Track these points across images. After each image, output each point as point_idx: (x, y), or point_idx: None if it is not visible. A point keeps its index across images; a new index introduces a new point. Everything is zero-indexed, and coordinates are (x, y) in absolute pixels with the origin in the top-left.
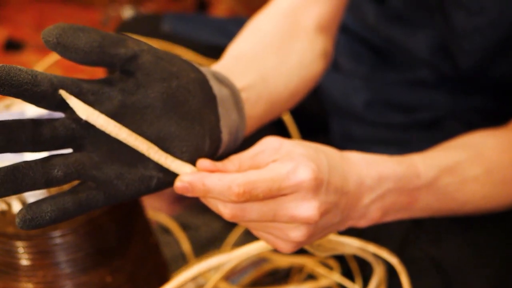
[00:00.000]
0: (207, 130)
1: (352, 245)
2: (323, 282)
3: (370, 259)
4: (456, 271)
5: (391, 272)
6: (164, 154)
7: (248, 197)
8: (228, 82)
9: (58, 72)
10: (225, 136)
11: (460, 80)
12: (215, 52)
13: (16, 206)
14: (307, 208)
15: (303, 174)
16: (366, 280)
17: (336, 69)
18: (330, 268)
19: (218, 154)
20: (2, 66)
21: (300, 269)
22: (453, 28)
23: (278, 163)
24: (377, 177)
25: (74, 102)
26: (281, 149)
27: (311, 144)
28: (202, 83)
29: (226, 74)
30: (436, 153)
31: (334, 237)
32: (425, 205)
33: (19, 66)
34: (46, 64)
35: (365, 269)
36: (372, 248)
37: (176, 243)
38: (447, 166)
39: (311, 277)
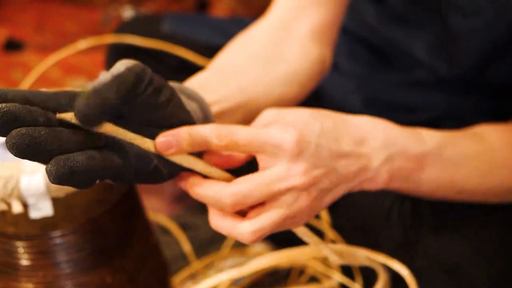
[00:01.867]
0: None
1: (362, 255)
2: (325, 284)
3: (375, 265)
4: (457, 269)
5: (397, 279)
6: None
7: (228, 142)
8: (197, 96)
9: (58, 72)
10: None
11: (458, 81)
12: (215, 52)
13: (16, 206)
14: (296, 172)
15: (285, 136)
16: (366, 279)
17: (335, 69)
18: (330, 268)
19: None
20: None
21: (300, 269)
22: (450, 29)
23: (265, 127)
24: (384, 138)
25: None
26: (278, 118)
27: (310, 110)
28: (178, 103)
29: (201, 86)
30: (440, 131)
31: (344, 248)
32: (431, 176)
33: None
34: (47, 64)
35: (365, 269)
36: (381, 258)
37: (176, 243)
38: (450, 139)
39: (313, 278)
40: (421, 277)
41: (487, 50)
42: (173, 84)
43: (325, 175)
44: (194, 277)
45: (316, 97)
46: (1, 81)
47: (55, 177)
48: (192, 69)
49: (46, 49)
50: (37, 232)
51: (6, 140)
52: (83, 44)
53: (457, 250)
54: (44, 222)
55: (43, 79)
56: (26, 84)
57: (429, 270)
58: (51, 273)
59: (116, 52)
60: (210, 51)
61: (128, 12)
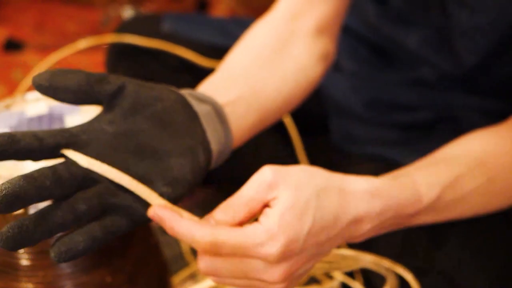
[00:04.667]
0: (198, 142)
1: (367, 260)
2: (326, 285)
3: (381, 269)
4: (457, 275)
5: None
6: (176, 208)
7: (213, 253)
8: (208, 99)
9: None
10: (214, 147)
11: (461, 79)
12: (215, 52)
13: None
14: (273, 274)
15: (271, 249)
16: (366, 279)
17: (336, 69)
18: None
19: (211, 165)
20: None
21: None
22: (455, 27)
23: (253, 227)
24: (379, 210)
25: (84, 161)
26: (274, 190)
27: (307, 184)
28: (183, 102)
29: (212, 89)
30: (439, 168)
31: (348, 253)
32: (422, 222)
33: None
34: (47, 64)
35: (366, 270)
36: (386, 263)
37: (176, 243)
38: (449, 182)
39: (312, 278)
40: (421, 283)
41: (492, 48)
42: (183, 90)
43: (303, 264)
44: (194, 277)
45: (317, 97)
46: (1, 81)
47: (57, 262)
48: (192, 68)
49: (46, 49)
50: None
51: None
52: (83, 44)
53: (456, 255)
54: None
55: None
56: (26, 84)
57: (429, 276)
58: (51, 273)
59: (116, 52)
60: (210, 51)
61: (128, 12)
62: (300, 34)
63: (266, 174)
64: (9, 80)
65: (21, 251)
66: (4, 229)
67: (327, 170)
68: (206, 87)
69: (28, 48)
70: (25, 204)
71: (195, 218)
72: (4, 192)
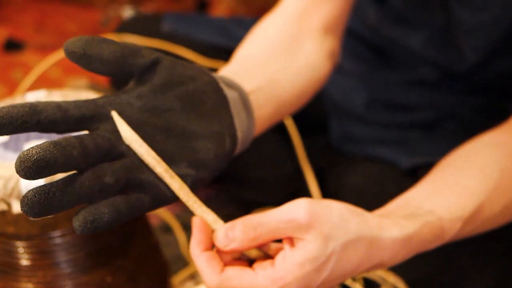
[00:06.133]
0: (226, 128)
1: None
2: None
3: (377, 279)
4: (457, 275)
5: None
6: (193, 197)
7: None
8: (236, 85)
9: (58, 72)
10: (239, 134)
11: (462, 78)
12: (215, 52)
13: (16, 206)
14: None
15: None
16: (366, 280)
17: (336, 69)
18: None
19: (235, 152)
20: None
21: None
22: (458, 25)
23: (265, 273)
24: (404, 256)
25: (122, 127)
26: (304, 233)
27: (339, 234)
28: (215, 85)
29: (234, 78)
30: (461, 198)
31: None
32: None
33: (15, 104)
34: (47, 64)
35: None
36: (379, 272)
37: (176, 243)
38: (471, 215)
39: None
40: (423, 281)
41: (495, 44)
42: (213, 74)
43: None
44: (194, 277)
45: (317, 97)
46: (1, 81)
47: (80, 232)
48: None
49: (46, 49)
50: (37, 232)
51: (21, 200)
52: None
53: (456, 256)
54: (44, 222)
55: (43, 79)
56: (26, 84)
57: (430, 277)
58: (51, 273)
59: None
60: (210, 50)
61: (128, 12)
62: (308, 32)
63: (301, 213)
64: (9, 80)
65: (21, 251)
66: (30, 193)
67: (366, 214)
68: (228, 75)
69: (28, 48)
70: (52, 172)
71: (211, 214)
72: (35, 156)
